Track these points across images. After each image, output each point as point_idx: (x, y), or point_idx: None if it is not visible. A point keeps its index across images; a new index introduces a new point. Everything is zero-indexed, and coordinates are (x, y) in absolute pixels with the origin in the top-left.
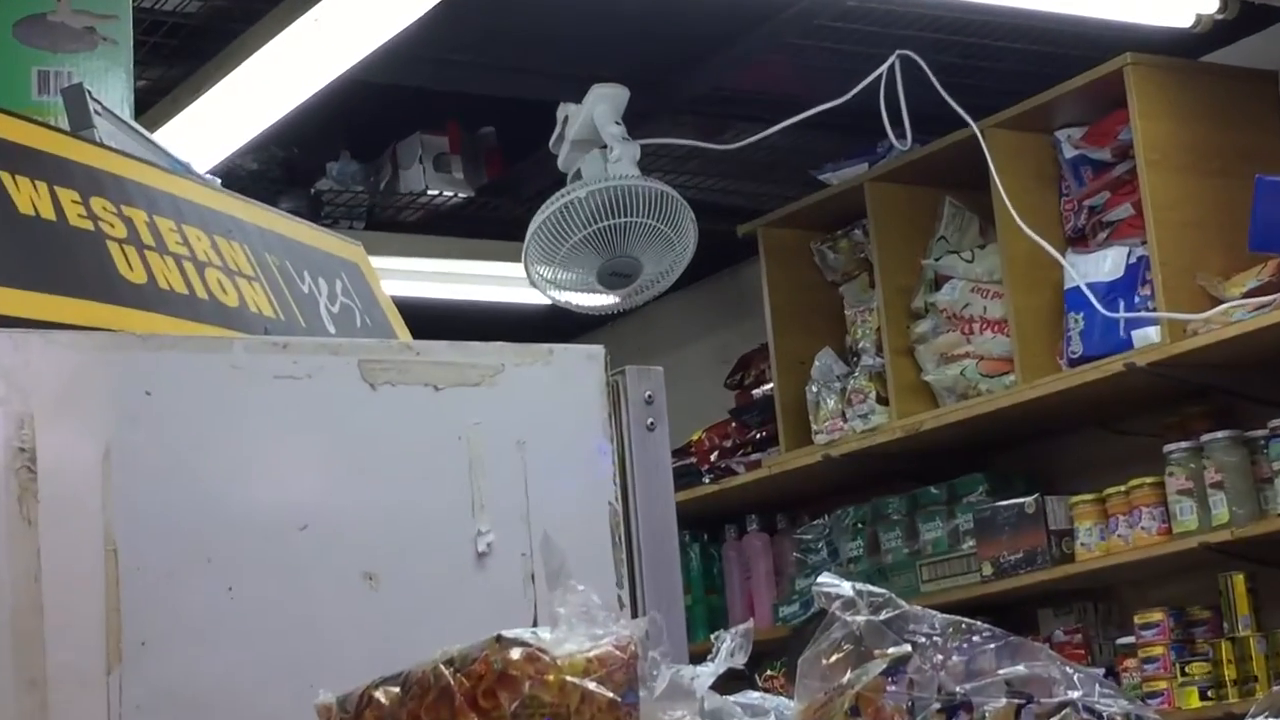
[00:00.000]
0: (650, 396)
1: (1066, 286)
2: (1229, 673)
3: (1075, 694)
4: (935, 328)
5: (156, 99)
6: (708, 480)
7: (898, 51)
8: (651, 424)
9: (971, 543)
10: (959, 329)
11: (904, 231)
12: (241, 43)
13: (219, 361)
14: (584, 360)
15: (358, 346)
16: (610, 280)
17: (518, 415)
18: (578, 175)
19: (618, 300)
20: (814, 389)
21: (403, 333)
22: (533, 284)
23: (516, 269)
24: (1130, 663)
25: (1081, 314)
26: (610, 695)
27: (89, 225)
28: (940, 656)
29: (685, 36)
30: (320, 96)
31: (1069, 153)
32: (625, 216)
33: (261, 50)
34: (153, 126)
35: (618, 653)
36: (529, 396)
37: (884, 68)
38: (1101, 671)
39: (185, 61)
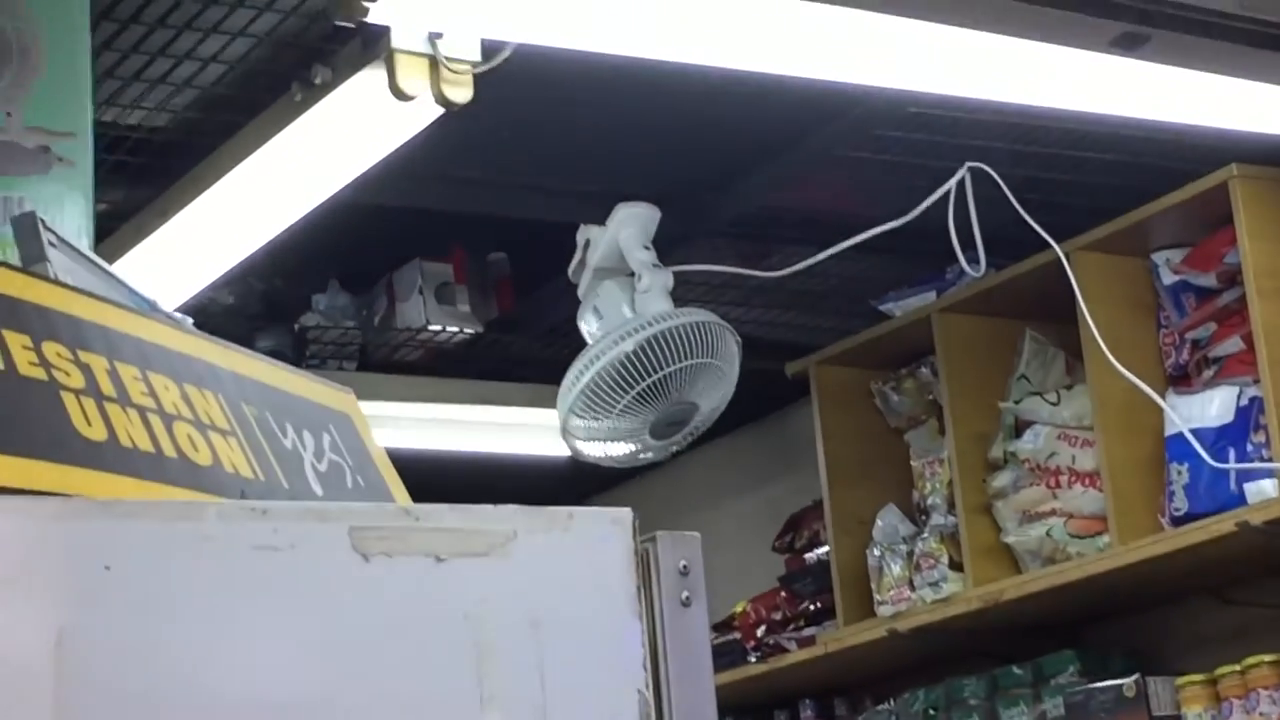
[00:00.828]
0: (685, 567)
1: (1168, 433)
2: None
3: None
4: (1016, 481)
5: (117, 225)
6: (754, 659)
7: (968, 164)
8: (687, 598)
9: None
10: (1044, 482)
11: (979, 370)
12: (215, 159)
13: (189, 531)
14: (608, 525)
15: (349, 512)
16: (664, 431)
17: (532, 590)
18: (594, 310)
19: (657, 448)
20: (876, 552)
21: (400, 494)
22: (566, 441)
23: (530, 415)
24: None
25: (1186, 465)
26: None
27: (41, 374)
28: None
29: (724, 149)
30: (305, 220)
31: (1168, 278)
32: (679, 360)
33: (238, 168)
34: (113, 256)
35: None
36: (545, 568)
37: (952, 183)
38: None
39: (151, 182)
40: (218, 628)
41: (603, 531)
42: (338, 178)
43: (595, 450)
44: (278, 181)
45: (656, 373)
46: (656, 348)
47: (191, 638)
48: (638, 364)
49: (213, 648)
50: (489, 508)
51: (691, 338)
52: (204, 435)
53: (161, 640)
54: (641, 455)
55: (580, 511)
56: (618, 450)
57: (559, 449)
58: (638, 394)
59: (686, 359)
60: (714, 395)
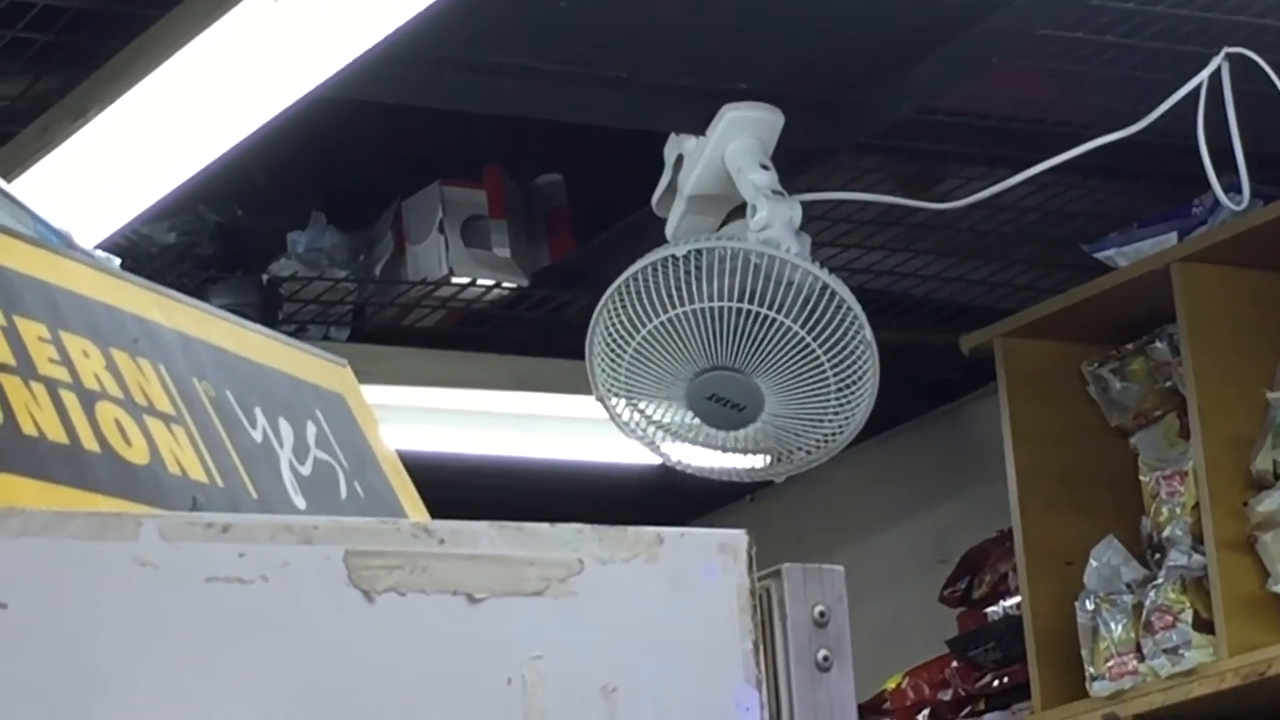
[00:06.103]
0: (824, 614)
1: None
2: None
3: None
4: None
5: (16, 129)
6: None
7: (1225, 50)
8: (825, 659)
9: None
10: None
11: (1239, 344)
12: (152, 37)
13: (117, 555)
14: (714, 554)
15: (343, 531)
16: (708, 409)
17: (605, 645)
18: None
19: (760, 465)
20: (1090, 605)
21: (414, 508)
22: (614, 420)
23: (597, 405)
24: None
25: None
26: None
27: None
28: None
29: (875, 30)
30: (279, 125)
31: None
32: (743, 300)
33: (184, 51)
34: (10, 172)
35: None
36: (623, 614)
37: (1203, 76)
38: None
39: (63, 69)
40: (158, 691)
41: (706, 562)
42: (326, 64)
43: (654, 438)
44: (241, 69)
45: (694, 303)
46: (720, 272)
47: (120, 703)
48: (683, 285)
49: (150, 717)
50: (544, 527)
51: (782, 284)
52: (139, 421)
53: (78, 705)
54: (736, 463)
55: (674, 534)
56: (693, 455)
57: (643, 453)
58: (671, 333)
59: (757, 305)
60: (794, 393)
